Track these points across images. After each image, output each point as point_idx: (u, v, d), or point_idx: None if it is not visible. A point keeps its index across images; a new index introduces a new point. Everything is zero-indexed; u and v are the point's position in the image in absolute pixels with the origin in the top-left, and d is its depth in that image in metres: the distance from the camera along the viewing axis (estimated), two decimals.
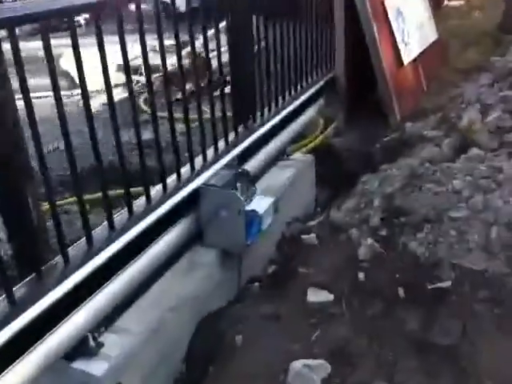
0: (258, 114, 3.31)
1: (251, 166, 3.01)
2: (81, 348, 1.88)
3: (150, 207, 2.31)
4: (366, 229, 2.32)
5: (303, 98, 3.80)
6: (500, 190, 2.39)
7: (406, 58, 4.26)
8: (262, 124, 3.23)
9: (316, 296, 2.03)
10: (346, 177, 3.81)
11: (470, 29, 6.22)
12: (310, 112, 3.92)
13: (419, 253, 2.17)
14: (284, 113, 3.51)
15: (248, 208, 2.57)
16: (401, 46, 4.18)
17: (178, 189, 2.45)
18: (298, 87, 3.79)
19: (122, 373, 1.92)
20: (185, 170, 2.57)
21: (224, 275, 2.50)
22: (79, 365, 1.87)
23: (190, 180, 2.51)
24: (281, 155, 3.50)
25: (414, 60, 4.50)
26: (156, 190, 2.40)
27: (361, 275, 2.12)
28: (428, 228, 2.24)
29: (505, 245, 2.18)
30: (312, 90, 3.97)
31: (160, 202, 2.36)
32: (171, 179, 2.51)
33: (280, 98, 3.54)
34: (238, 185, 2.59)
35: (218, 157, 2.77)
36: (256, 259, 2.76)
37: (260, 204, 2.63)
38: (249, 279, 2.73)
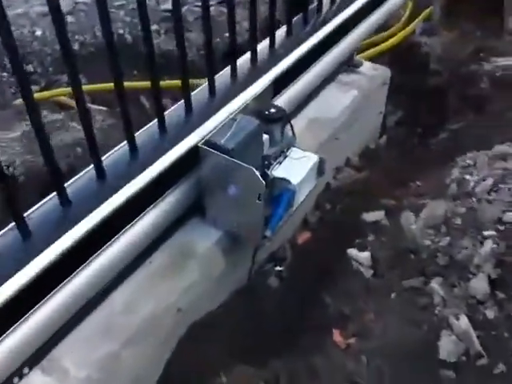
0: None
1: (296, 90, 2.05)
2: None
3: None
4: (462, 290, 1.38)
5: None
6: None
7: None
8: (323, 23, 2.15)
9: None
10: (430, 108, 2.75)
11: None
12: None
13: None
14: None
15: (276, 174, 1.69)
16: None
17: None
18: None
19: None
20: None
21: (227, 265, 1.72)
22: None
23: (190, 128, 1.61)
24: (345, 64, 2.46)
25: None
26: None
27: None
28: None
29: None
30: None
31: None
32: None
33: None
34: (265, 138, 1.68)
35: (246, 82, 1.82)
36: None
37: (296, 167, 1.73)
38: (268, 257, 1.96)
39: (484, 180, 1.60)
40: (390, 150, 2.66)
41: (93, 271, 1.36)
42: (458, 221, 1.54)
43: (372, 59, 2.87)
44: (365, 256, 1.59)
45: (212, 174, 1.56)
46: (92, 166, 1.44)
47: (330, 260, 1.71)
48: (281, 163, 1.75)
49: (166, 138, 1.56)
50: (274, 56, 1.92)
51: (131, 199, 1.40)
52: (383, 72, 2.52)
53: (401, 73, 2.96)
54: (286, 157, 1.77)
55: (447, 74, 2.87)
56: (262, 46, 1.96)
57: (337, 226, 2.05)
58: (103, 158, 1.46)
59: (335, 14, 2.17)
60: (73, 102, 2.92)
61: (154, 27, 3.15)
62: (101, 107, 2.65)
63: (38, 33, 2.98)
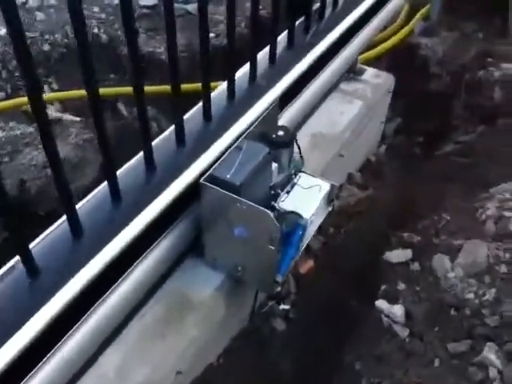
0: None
1: (300, 105, 1.83)
2: None
3: None
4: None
5: None
6: None
7: None
8: (329, 29, 1.92)
9: None
10: (432, 115, 2.56)
11: None
12: None
13: None
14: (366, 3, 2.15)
15: (285, 207, 1.47)
16: None
17: None
18: None
19: None
20: None
21: (229, 311, 1.50)
22: None
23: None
24: (346, 72, 2.25)
25: None
26: None
27: None
28: None
29: None
30: None
31: None
32: None
33: None
34: (274, 167, 1.46)
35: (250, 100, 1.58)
36: None
37: (306, 197, 1.51)
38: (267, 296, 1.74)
39: None
40: (391, 162, 2.48)
41: (82, 337, 1.13)
42: (504, 269, 1.35)
43: (369, 63, 2.68)
44: (398, 311, 1.38)
45: (215, 214, 1.33)
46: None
47: (347, 305, 1.51)
48: (289, 193, 1.53)
49: (156, 175, 1.31)
50: (278, 68, 1.69)
51: (125, 248, 1.17)
52: (387, 79, 2.32)
53: (399, 76, 2.77)
54: (294, 185, 1.56)
55: (449, 79, 2.69)
56: (260, 56, 1.73)
57: (344, 255, 1.86)
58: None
59: (340, 20, 1.95)
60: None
61: None
62: (74, 117, 2.37)
63: (2, 32, 2.67)
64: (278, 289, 1.48)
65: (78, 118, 2.37)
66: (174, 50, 1.27)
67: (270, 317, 1.68)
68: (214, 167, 1.28)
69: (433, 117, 2.66)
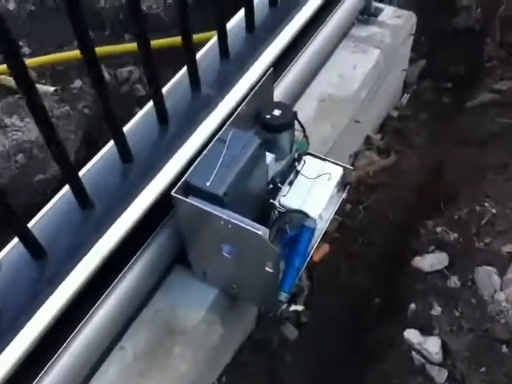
0: None
1: (303, 65, 1.49)
2: None
3: None
4: None
5: None
6: None
7: None
8: None
9: None
10: (460, 57, 2.17)
11: None
12: None
13: None
14: None
15: (287, 203, 1.19)
16: None
17: None
18: None
19: None
20: None
21: (227, 329, 1.26)
22: None
23: None
24: (359, 14, 1.88)
25: None
26: None
27: None
28: None
29: None
30: None
31: None
32: None
33: None
34: (270, 159, 1.17)
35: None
36: None
37: (313, 189, 1.23)
38: None
39: None
40: (416, 116, 2.14)
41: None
42: None
43: None
44: (433, 347, 1.09)
45: (195, 229, 1.06)
46: None
47: (368, 318, 1.24)
48: (292, 184, 1.25)
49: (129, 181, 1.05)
50: (271, 23, 1.35)
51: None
52: (408, 19, 1.94)
53: (419, 12, 2.37)
54: (297, 173, 1.27)
55: (480, 13, 2.29)
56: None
57: (364, 241, 1.59)
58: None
59: None
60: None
61: None
62: (49, 87, 2.07)
63: None
64: (284, 306, 1.23)
65: (52, 88, 2.07)
66: None
67: (280, 322, 1.45)
68: (189, 172, 1.00)
69: (462, 58, 2.28)
